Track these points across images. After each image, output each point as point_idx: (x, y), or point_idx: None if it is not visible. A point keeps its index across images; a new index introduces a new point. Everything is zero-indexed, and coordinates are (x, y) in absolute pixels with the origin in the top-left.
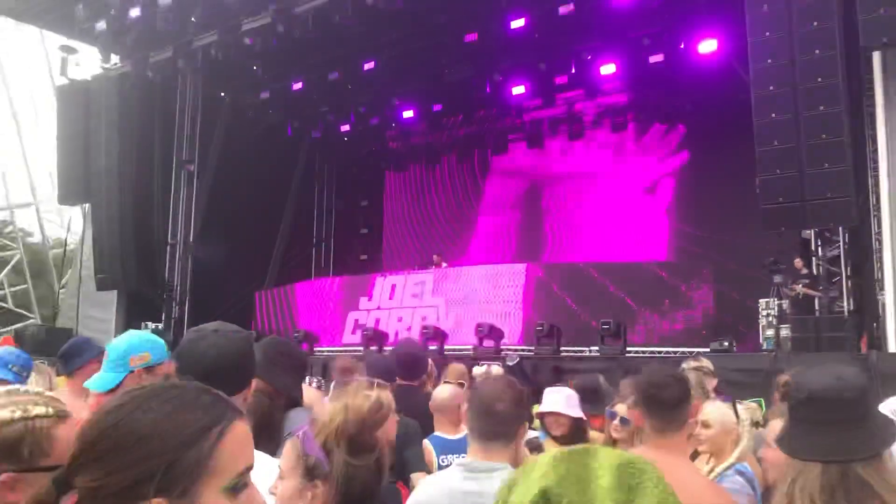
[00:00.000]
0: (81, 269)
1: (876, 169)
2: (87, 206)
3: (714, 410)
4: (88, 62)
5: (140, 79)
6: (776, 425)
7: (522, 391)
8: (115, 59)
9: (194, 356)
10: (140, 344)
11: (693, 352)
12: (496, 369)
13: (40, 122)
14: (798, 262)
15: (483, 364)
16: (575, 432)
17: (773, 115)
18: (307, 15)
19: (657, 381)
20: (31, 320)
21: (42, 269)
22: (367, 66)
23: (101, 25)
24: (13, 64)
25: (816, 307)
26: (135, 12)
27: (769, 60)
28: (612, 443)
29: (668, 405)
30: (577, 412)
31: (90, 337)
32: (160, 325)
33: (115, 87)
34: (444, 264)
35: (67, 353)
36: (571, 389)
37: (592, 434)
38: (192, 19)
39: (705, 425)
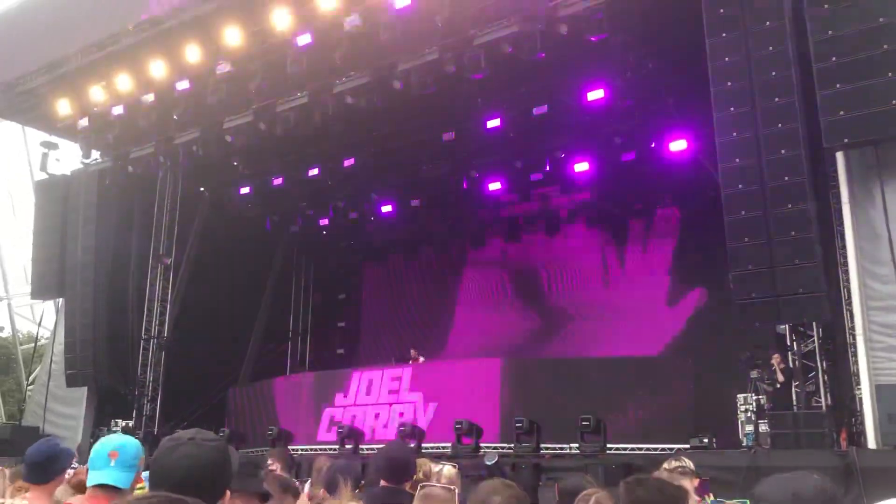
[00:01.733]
0: (51, 364)
1: (846, 264)
2: (60, 300)
3: None
4: (68, 157)
5: (119, 173)
6: None
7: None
8: (95, 154)
9: (168, 466)
10: (140, 446)
11: (673, 449)
12: (448, 470)
13: (18, 217)
14: (776, 357)
15: (439, 465)
16: None
17: (743, 212)
18: (288, 113)
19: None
20: None
21: (10, 364)
22: (346, 163)
23: (84, 122)
24: None
25: (794, 402)
26: (118, 110)
27: (737, 160)
28: None
29: None
30: None
31: (60, 441)
32: (130, 423)
33: (94, 182)
34: (420, 359)
35: (45, 461)
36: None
37: None
38: (175, 117)
39: None
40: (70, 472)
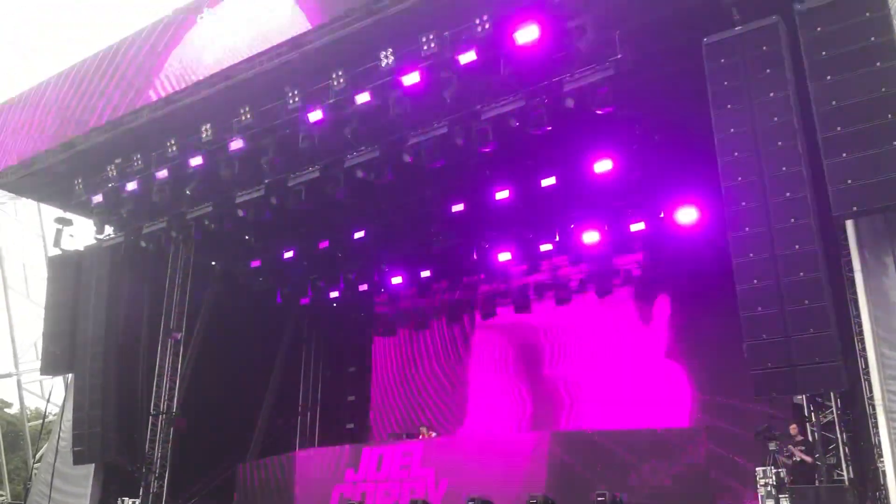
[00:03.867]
0: (59, 441)
1: (861, 333)
2: (69, 376)
3: None
4: (82, 233)
5: (132, 248)
6: None
7: None
8: (108, 229)
9: None
10: None
11: None
12: None
13: (31, 294)
14: (794, 428)
15: None
16: None
17: (755, 281)
18: (300, 188)
19: None
20: (1, 498)
21: (17, 441)
22: (356, 235)
23: (98, 198)
24: (8, 235)
25: (815, 475)
26: (131, 186)
27: (747, 229)
28: None
29: None
30: None
31: None
32: (137, 501)
33: (107, 257)
34: (433, 434)
35: None
36: None
37: None
38: (187, 192)
39: None
40: None
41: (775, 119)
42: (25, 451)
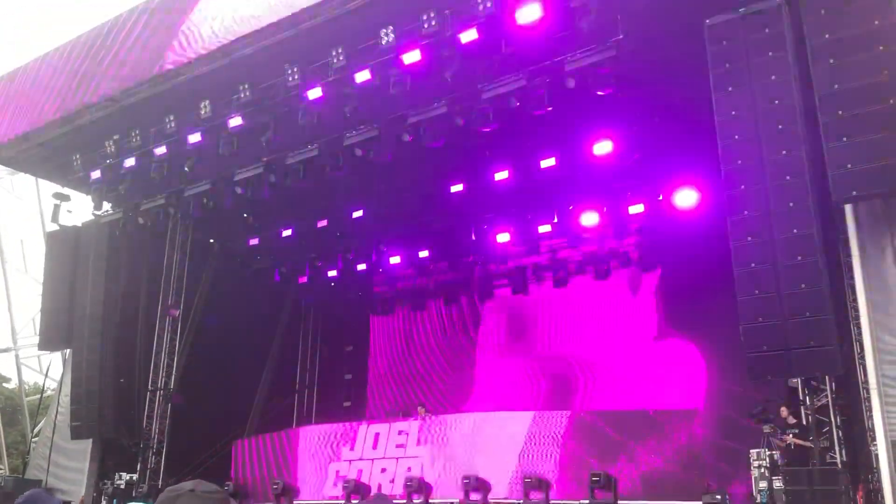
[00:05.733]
0: (57, 416)
1: (857, 318)
2: (67, 351)
3: None
4: (80, 209)
5: (130, 225)
6: None
7: None
8: (106, 206)
9: None
10: None
11: None
12: None
13: (29, 269)
14: (784, 412)
15: None
16: None
17: (753, 264)
18: (299, 166)
19: None
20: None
21: (16, 416)
22: (355, 214)
23: (96, 174)
24: (5, 210)
25: (809, 457)
26: (130, 162)
27: (745, 212)
28: None
29: None
30: None
31: (48, 490)
32: (134, 476)
33: (105, 234)
34: (429, 413)
35: None
36: None
37: None
38: (186, 169)
39: None
40: None
41: (776, 102)
42: (24, 426)
